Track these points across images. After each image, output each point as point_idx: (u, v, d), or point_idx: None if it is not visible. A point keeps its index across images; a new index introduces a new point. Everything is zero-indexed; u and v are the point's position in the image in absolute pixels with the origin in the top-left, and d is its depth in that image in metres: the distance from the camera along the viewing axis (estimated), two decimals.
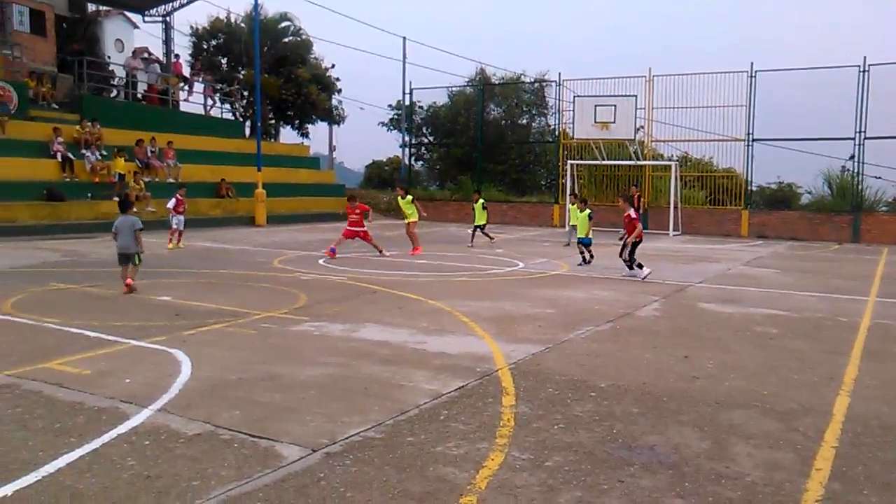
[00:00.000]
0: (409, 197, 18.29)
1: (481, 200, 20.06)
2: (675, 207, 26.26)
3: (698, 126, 27.14)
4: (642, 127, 28.74)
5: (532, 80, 38.73)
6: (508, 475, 4.14)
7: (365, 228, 16.45)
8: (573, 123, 28.01)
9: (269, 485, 3.93)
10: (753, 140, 26.28)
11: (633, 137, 27.05)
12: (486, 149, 34.13)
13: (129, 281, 10.62)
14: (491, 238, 20.34)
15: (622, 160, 28.53)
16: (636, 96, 26.90)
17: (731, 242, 23.41)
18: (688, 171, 28.83)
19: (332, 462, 4.27)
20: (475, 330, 8.28)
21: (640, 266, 13.19)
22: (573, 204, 20.46)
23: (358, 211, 16.41)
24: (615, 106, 26.30)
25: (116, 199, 13.90)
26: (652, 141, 29.40)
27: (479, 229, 19.97)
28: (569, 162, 28.54)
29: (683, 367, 6.74)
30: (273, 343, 7.44)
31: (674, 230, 25.84)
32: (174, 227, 18.08)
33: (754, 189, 28.50)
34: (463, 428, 4.93)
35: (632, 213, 13.71)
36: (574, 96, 28.41)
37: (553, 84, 31.87)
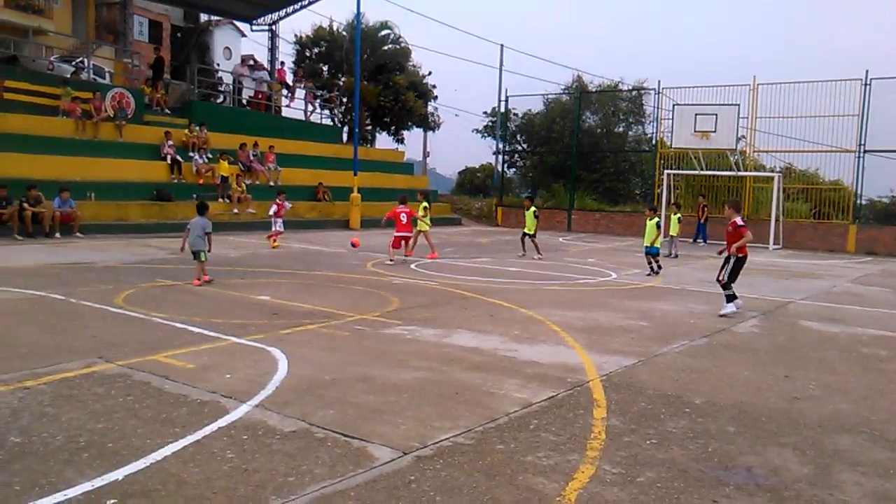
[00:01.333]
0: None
1: (533, 208, 18.65)
2: (777, 220, 25.28)
3: (804, 136, 26.06)
4: (744, 137, 27.85)
5: (630, 87, 38.16)
6: (599, 489, 4.10)
7: (412, 232, 16.55)
8: (671, 132, 27.43)
9: (360, 485, 4.02)
10: (865, 151, 25.03)
11: (734, 147, 26.24)
12: (580, 157, 33.81)
13: (204, 278, 11.62)
14: (539, 253, 18.47)
15: (722, 170, 27.71)
16: (739, 105, 26.08)
17: (837, 258, 22.35)
18: (791, 183, 27.72)
19: (423, 466, 4.32)
20: (566, 340, 8.22)
21: (733, 298, 10.65)
22: (673, 213, 20.18)
23: (407, 212, 16.31)
24: (716, 115, 25.56)
25: (196, 201, 15.22)
26: (754, 151, 28.45)
27: (528, 237, 18.50)
28: (665, 171, 27.95)
29: (784, 387, 6.49)
30: (366, 345, 7.58)
31: (774, 244, 24.88)
32: (276, 229, 18.87)
33: (864, 203, 27.14)
34: (553, 438, 4.90)
35: (738, 220, 11.00)
36: (673, 105, 27.79)
37: (652, 92, 31.32)
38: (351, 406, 5.43)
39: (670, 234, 19.86)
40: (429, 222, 17.52)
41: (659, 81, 29.78)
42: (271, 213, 19.05)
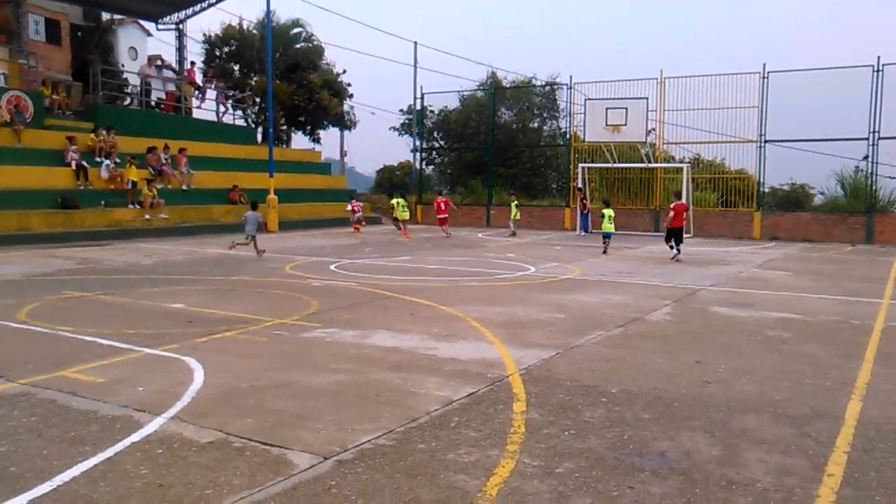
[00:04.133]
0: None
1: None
2: (687, 210, 26.14)
3: (710, 128, 27.11)
4: (654, 129, 28.70)
5: (543, 83, 38.75)
6: (519, 482, 4.15)
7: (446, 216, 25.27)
8: (584, 126, 28.06)
9: (280, 493, 3.96)
10: (766, 141, 26.16)
11: (644, 140, 27.03)
12: (497, 152, 34.17)
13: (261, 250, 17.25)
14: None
15: (634, 163, 28.49)
16: (647, 99, 26.87)
17: (744, 245, 23.32)
18: (700, 173, 28.74)
19: (344, 470, 4.30)
20: (486, 335, 8.30)
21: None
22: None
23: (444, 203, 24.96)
24: (626, 108, 26.28)
25: (251, 201, 20.14)
26: (664, 143, 29.32)
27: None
28: (580, 165, 28.54)
29: (695, 372, 6.73)
30: (285, 350, 7.48)
31: (685, 233, 25.70)
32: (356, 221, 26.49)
33: (767, 190, 28.43)
34: (474, 435, 4.94)
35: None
36: (585, 99, 28.44)
37: (564, 87, 31.87)
38: (270, 413, 5.35)
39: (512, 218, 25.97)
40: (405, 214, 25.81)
41: (570, 76, 30.41)
42: (349, 208, 27.11)
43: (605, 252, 18.79)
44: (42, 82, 26.61)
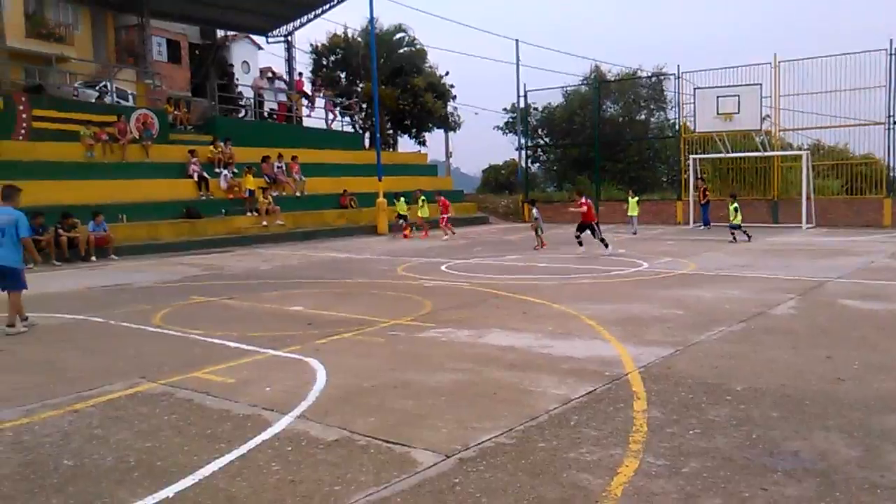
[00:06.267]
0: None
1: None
2: (808, 199, 24.94)
3: (831, 112, 25.66)
4: (769, 116, 27.50)
5: (649, 74, 37.84)
6: (644, 482, 4.08)
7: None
8: (694, 116, 27.21)
9: (406, 490, 4.04)
10: (894, 123, 24.56)
11: (759, 128, 25.93)
12: (603, 147, 33.57)
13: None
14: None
15: (748, 152, 27.38)
16: (761, 84, 25.76)
17: (873, 233, 21.97)
18: (821, 160, 27.32)
19: (466, 468, 4.34)
20: (601, 333, 8.19)
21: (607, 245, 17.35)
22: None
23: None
24: (738, 96, 25.29)
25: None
26: (780, 130, 28.05)
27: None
28: (691, 156, 27.70)
29: (826, 369, 6.41)
30: (401, 350, 7.62)
31: (807, 223, 24.53)
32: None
33: None
34: (595, 433, 4.89)
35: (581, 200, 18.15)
36: (694, 88, 27.54)
37: (672, 77, 30.98)
38: (391, 412, 5.47)
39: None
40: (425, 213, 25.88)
41: (678, 66, 29.55)
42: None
43: (735, 240, 19.50)
44: (166, 100, 28.20)
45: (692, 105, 27.40)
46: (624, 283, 12.55)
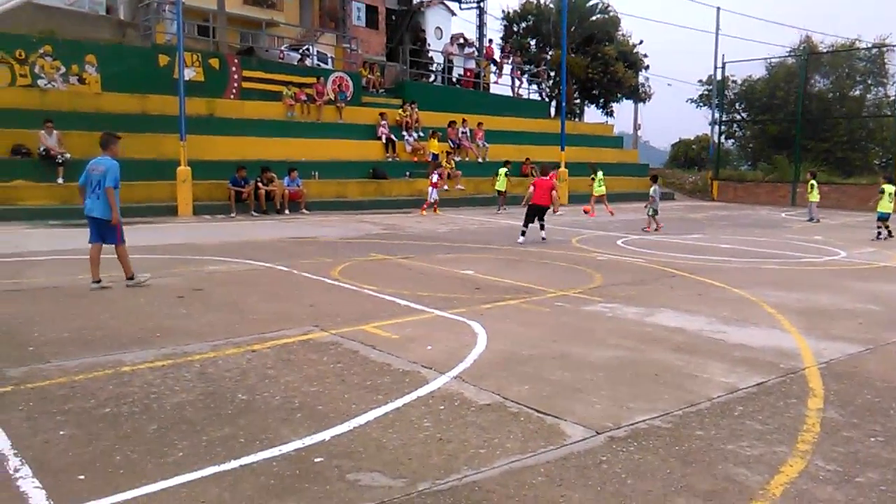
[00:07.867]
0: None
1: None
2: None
3: None
4: None
5: (869, 45, 34.41)
6: (809, 485, 3.77)
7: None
8: None
9: (551, 461, 4.00)
10: None
11: None
12: (807, 125, 31.08)
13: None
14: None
15: None
16: None
17: None
18: None
19: (616, 447, 4.22)
20: (782, 323, 7.64)
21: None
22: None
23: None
24: None
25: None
26: None
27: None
28: None
29: None
30: (565, 322, 7.53)
31: None
32: (432, 200, 21.74)
33: None
34: (760, 428, 4.58)
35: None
36: None
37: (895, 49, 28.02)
38: (546, 382, 5.42)
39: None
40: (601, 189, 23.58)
41: None
42: (434, 179, 22.27)
43: None
44: (361, 64, 29.37)
45: None
46: (815, 271, 11.62)
